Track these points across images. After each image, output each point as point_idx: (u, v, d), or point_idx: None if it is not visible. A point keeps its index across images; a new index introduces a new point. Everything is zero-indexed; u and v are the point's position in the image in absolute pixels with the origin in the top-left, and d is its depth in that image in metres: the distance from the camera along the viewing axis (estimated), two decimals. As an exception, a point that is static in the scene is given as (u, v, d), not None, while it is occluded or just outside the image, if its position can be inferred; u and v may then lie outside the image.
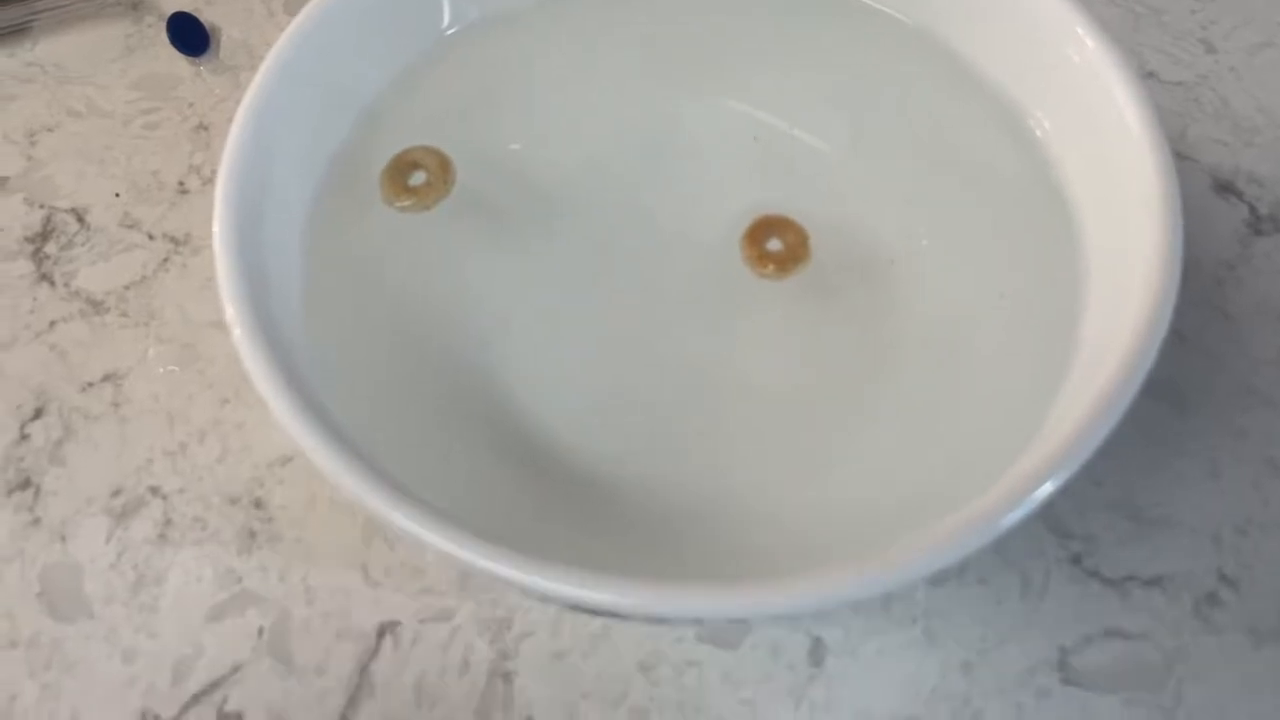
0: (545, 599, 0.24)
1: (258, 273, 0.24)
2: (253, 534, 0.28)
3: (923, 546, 0.19)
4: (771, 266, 0.27)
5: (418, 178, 0.27)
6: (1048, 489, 0.20)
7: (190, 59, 0.36)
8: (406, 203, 0.27)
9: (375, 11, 0.27)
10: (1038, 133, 0.26)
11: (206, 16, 0.37)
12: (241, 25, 0.37)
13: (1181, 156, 0.33)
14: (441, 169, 0.27)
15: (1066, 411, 0.22)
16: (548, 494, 0.25)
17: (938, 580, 0.27)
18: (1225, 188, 0.33)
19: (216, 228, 0.24)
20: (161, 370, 0.30)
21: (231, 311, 0.22)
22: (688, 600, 0.19)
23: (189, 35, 0.36)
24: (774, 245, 0.27)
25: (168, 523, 0.28)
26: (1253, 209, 0.32)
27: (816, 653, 0.26)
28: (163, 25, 0.37)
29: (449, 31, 0.29)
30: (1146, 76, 0.35)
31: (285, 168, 0.26)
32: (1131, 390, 0.21)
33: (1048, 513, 0.28)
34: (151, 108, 0.35)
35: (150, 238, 0.33)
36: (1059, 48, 0.25)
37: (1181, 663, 0.26)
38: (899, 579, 0.20)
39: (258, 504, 0.28)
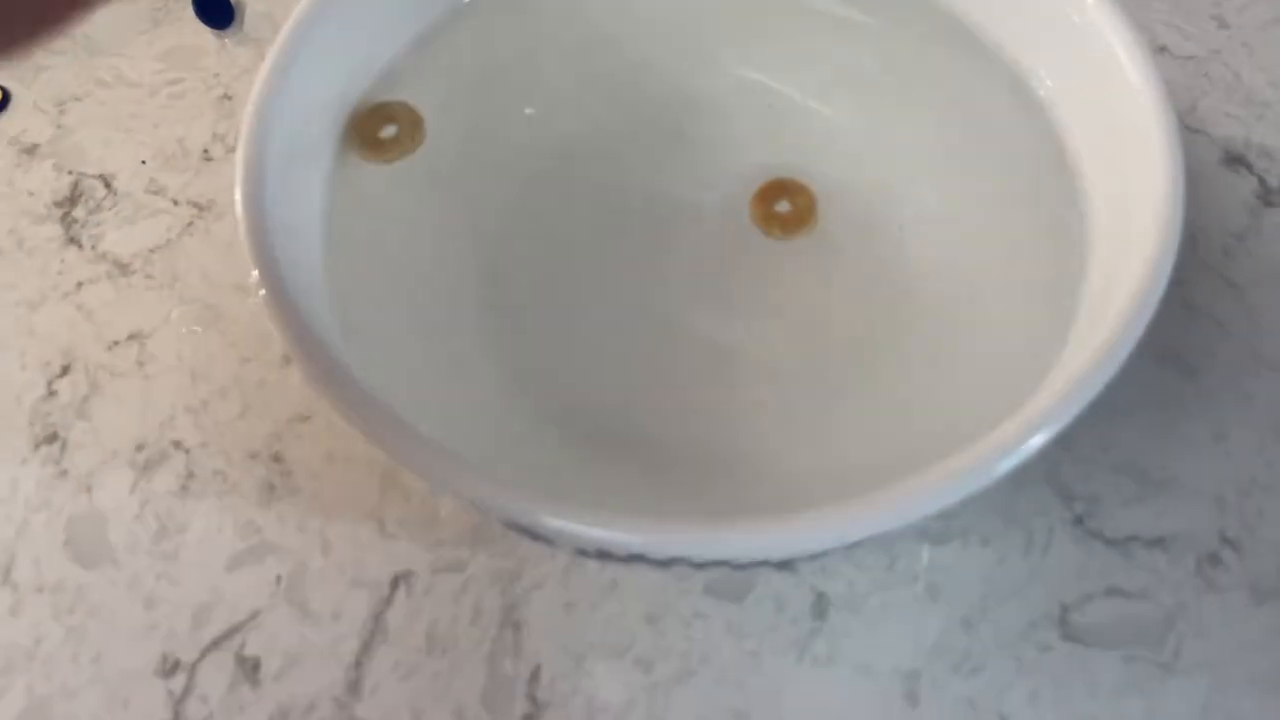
0: (554, 537, 0.25)
1: (280, 234, 0.24)
2: (272, 487, 0.28)
3: (916, 488, 0.20)
4: (778, 227, 0.27)
5: (389, 131, 0.27)
6: (1042, 437, 0.21)
7: (215, 31, 0.37)
8: (371, 154, 0.27)
9: (394, -23, 0.28)
10: (1040, 92, 0.27)
11: (232, -10, 0.38)
12: (266, -1, 0.38)
13: (1192, 129, 0.34)
14: (413, 127, 0.27)
15: (1065, 367, 0.23)
16: (556, 449, 0.25)
17: (940, 539, 0.27)
18: (1236, 160, 0.33)
19: (238, 191, 0.24)
20: (185, 330, 0.31)
21: (256, 272, 0.23)
22: (680, 535, 0.20)
23: (214, 8, 0.37)
24: (783, 207, 0.27)
25: (190, 475, 0.29)
26: (1262, 181, 0.33)
27: (820, 606, 0.27)
28: (189, -1, 0.38)
29: (466, -1, 0.30)
30: (1158, 51, 0.35)
31: (305, 130, 0.26)
32: (1128, 343, 0.21)
33: (1052, 475, 0.28)
34: (177, 78, 0.36)
35: (175, 203, 0.33)
36: (1059, 7, 0.25)
37: (1182, 621, 0.26)
38: (891, 519, 0.20)
39: (276, 458, 0.29)
